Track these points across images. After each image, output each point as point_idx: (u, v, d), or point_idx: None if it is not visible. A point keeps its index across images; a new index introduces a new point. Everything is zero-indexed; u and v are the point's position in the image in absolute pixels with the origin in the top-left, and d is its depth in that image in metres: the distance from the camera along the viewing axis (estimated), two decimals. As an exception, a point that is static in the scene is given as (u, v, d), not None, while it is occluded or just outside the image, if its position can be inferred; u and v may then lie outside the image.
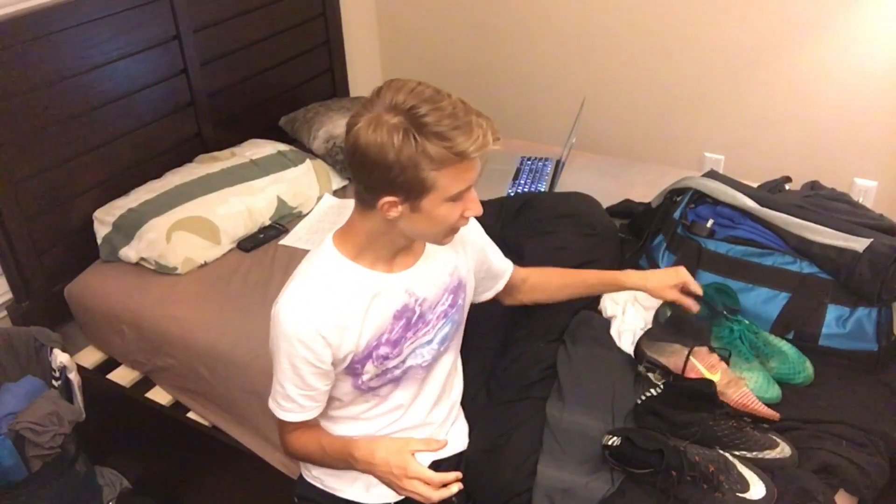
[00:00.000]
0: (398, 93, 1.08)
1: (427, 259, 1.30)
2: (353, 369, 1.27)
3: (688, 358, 1.57)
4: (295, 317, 1.19)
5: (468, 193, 1.17)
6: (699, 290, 1.52)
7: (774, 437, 1.43)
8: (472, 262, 1.40)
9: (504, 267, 1.53)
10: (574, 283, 1.57)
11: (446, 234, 1.23)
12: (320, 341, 1.20)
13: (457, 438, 1.49)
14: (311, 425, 1.34)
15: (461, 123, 1.08)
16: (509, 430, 1.50)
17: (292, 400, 1.26)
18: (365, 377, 1.29)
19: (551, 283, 1.58)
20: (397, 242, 1.24)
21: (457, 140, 1.07)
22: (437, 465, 1.43)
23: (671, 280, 1.51)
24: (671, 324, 1.68)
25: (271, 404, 1.30)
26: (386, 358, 1.28)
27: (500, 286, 1.54)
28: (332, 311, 1.20)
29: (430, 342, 1.33)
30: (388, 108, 1.08)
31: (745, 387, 1.54)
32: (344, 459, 1.24)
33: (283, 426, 1.33)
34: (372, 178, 1.12)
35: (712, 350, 1.62)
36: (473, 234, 1.42)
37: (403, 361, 1.31)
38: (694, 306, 1.52)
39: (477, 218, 1.41)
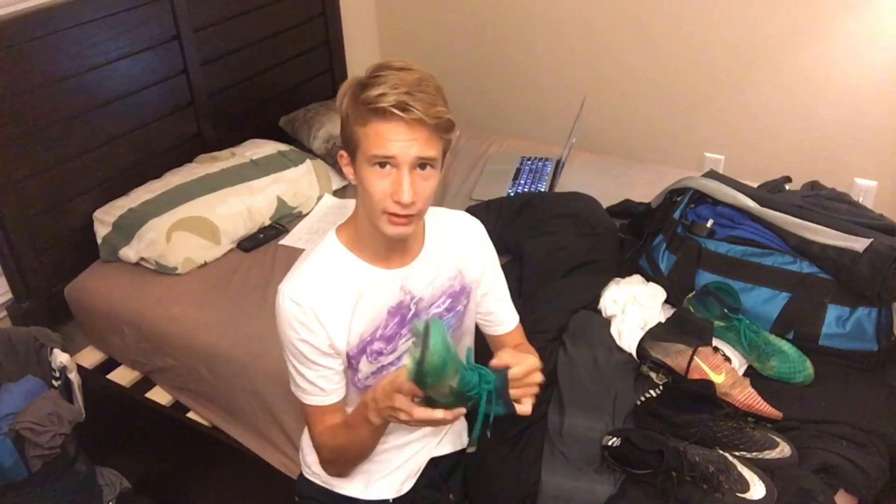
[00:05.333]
0: (383, 61, 1.16)
1: (426, 259, 1.30)
2: (349, 365, 1.27)
3: (692, 358, 1.57)
4: (294, 299, 1.20)
5: (397, 173, 1.12)
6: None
7: (774, 437, 1.43)
8: (477, 272, 1.37)
9: (502, 318, 1.44)
10: None
11: (380, 214, 1.16)
12: (318, 325, 1.21)
13: (456, 436, 1.49)
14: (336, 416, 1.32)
15: (383, 80, 1.10)
16: (515, 435, 1.50)
17: (311, 382, 1.25)
18: (361, 375, 1.29)
19: None
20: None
21: (368, 90, 1.10)
22: (436, 463, 1.43)
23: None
24: (674, 323, 1.68)
25: (295, 391, 1.29)
26: (380, 353, 1.29)
27: (495, 330, 1.45)
28: (327, 297, 1.22)
29: None
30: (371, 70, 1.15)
31: (749, 387, 1.54)
32: (364, 419, 1.18)
33: (314, 426, 1.30)
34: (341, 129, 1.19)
35: (716, 350, 1.62)
36: (486, 250, 1.39)
37: (399, 359, 1.31)
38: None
39: (478, 219, 1.41)
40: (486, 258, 1.39)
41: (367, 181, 1.15)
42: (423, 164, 1.13)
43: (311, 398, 1.27)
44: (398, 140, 1.11)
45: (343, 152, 1.21)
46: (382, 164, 1.13)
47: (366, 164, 1.14)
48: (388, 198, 1.14)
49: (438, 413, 1.06)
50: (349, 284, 1.24)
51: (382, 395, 1.11)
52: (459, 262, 1.34)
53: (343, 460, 1.34)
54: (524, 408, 1.11)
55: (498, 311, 1.44)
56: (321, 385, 1.26)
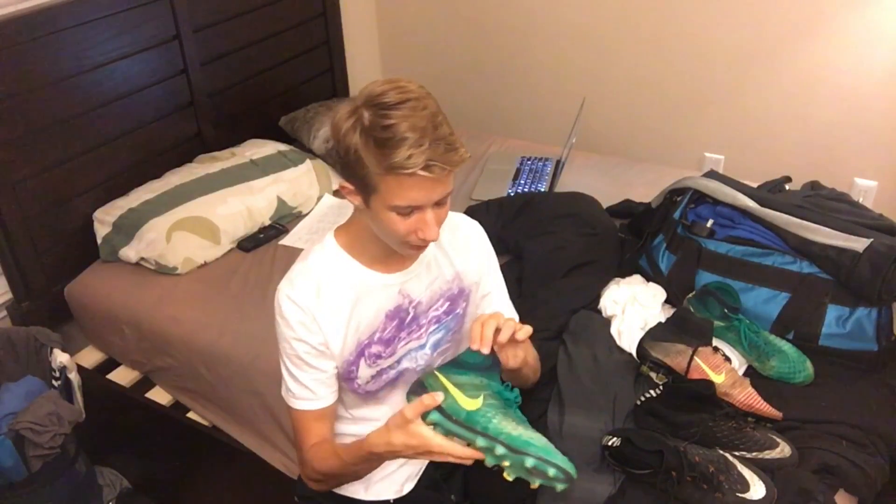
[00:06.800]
0: (379, 85, 1.09)
1: (424, 262, 1.30)
2: (348, 373, 1.27)
3: (692, 358, 1.57)
4: (292, 298, 1.20)
5: (421, 214, 1.12)
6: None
7: (774, 437, 1.43)
8: (475, 276, 1.37)
9: (503, 313, 1.40)
10: None
11: (401, 245, 1.18)
12: (314, 324, 1.21)
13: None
14: (327, 438, 1.30)
15: (400, 137, 1.04)
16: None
17: (304, 386, 1.25)
18: (361, 381, 1.29)
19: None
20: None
21: (386, 151, 1.05)
22: (437, 463, 1.43)
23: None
24: (674, 323, 1.68)
25: (285, 396, 1.28)
26: (378, 357, 1.28)
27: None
28: (324, 299, 1.22)
29: (422, 346, 1.33)
30: (364, 96, 1.10)
31: (749, 387, 1.54)
32: (365, 459, 1.19)
33: (303, 440, 1.29)
34: (338, 157, 1.14)
35: (716, 350, 1.62)
36: (484, 252, 1.39)
37: (398, 362, 1.31)
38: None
39: (478, 219, 1.41)
40: (485, 260, 1.39)
41: (387, 222, 1.12)
42: (442, 199, 1.13)
43: (301, 402, 1.26)
44: (422, 192, 1.09)
45: (349, 185, 1.14)
46: (404, 211, 1.11)
47: (384, 209, 1.11)
48: (413, 234, 1.14)
49: (467, 450, 1.06)
50: (347, 288, 1.24)
51: (415, 450, 1.09)
52: (457, 265, 1.34)
53: (332, 482, 1.32)
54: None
55: (498, 313, 1.43)
56: (312, 388, 1.25)
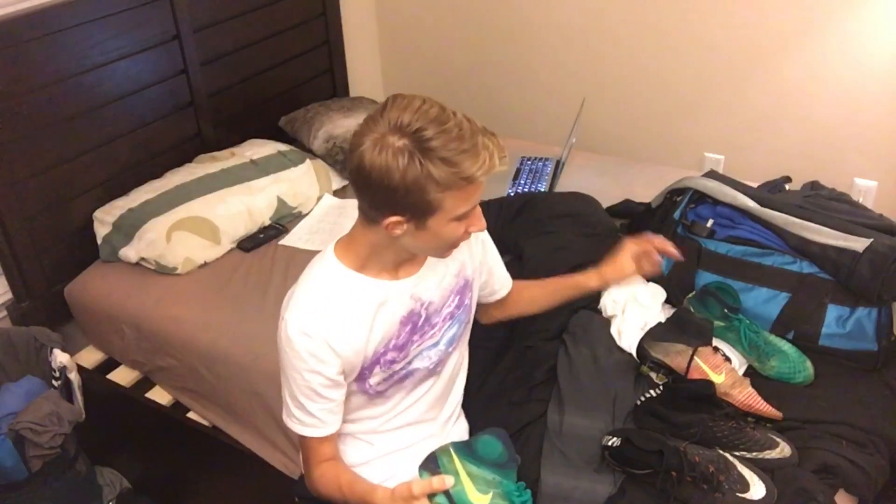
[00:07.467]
0: (404, 112, 1.07)
1: (432, 263, 1.30)
2: (361, 375, 1.27)
3: (692, 358, 1.57)
4: (304, 331, 1.17)
5: (473, 211, 1.17)
6: (659, 253, 1.49)
7: (774, 437, 1.43)
8: (477, 261, 1.39)
9: (504, 282, 1.51)
10: (545, 293, 1.55)
11: (448, 249, 1.23)
12: (331, 353, 1.19)
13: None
14: (335, 458, 1.30)
15: (468, 146, 1.07)
16: (514, 434, 1.50)
17: (312, 415, 1.23)
18: (372, 381, 1.29)
19: (529, 293, 1.56)
20: (401, 254, 1.23)
21: (463, 165, 1.06)
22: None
23: (626, 265, 1.51)
24: (674, 323, 1.68)
25: (289, 422, 1.26)
26: (393, 362, 1.28)
27: (498, 296, 1.52)
28: (339, 323, 1.19)
29: (436, 344, 1.33)
30: (394, 128, 1.06)
31: (749, 387, 1.54)
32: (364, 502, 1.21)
33: (310, 459, 1.29)
34: (377, 198, 1.11)
35: (716, 350, 1.62)
36: (481, 238, 1.41)
37: (409, 363, 1.31)
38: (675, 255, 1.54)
39: None
40: (483, 244, 1.41)
41: (448, 234, 1.16)
42: None
43: (308, 430, 1.25)
44: (479, 190, 1.14)
45: (399, 218, 1.12)
46: (465, 216, 1.15)
47: (446, 223, 1.13)
48: (465, 233, 1.18)
49: None
50: (362, 305, 1.22)
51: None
52: (458, 256, 1.35)
53: (330, 500, 1.33)
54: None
55: (501, 276, 1.49)
56: (322, 417, 1.24)
